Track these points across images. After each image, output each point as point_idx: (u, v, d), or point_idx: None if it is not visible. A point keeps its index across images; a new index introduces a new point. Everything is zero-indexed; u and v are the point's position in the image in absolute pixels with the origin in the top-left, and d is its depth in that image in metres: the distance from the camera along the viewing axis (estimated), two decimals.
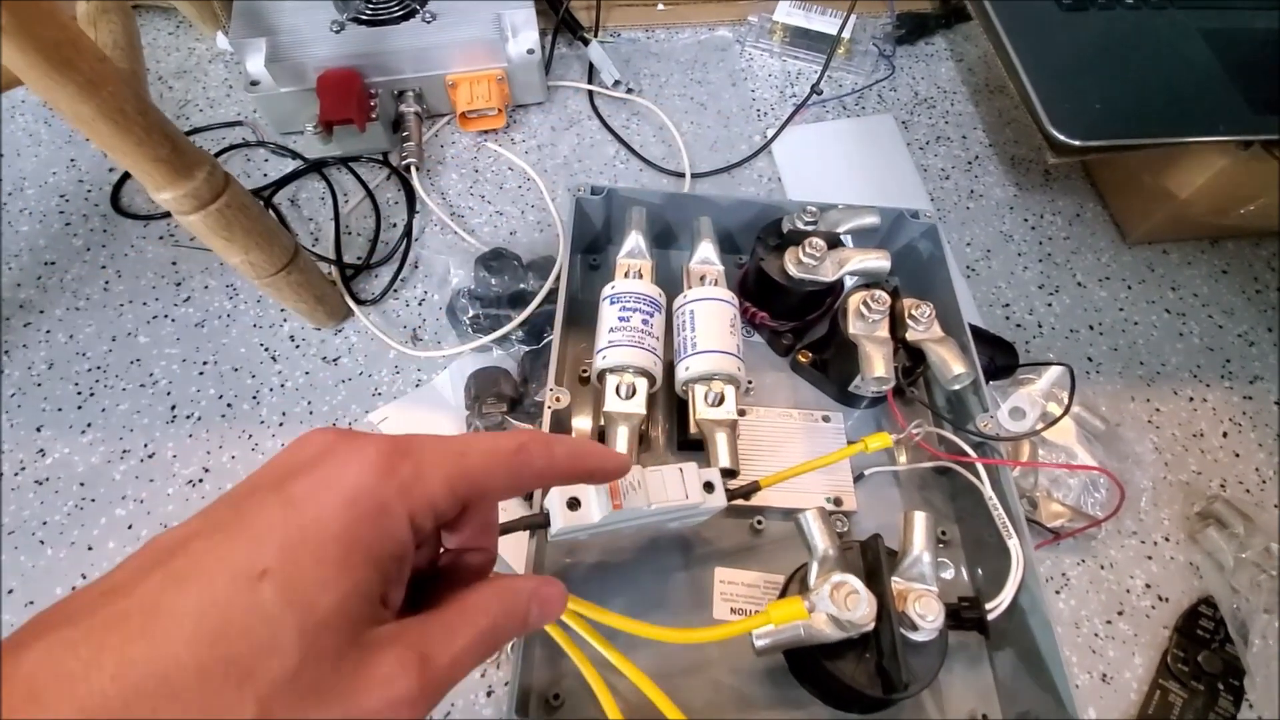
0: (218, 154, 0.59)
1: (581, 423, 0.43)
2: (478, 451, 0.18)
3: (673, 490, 0.28)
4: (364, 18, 0.56)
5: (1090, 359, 0.52)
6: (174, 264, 0.54)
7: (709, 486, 0.31)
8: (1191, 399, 0.51)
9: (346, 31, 0.55)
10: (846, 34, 0.62)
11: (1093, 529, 0.44)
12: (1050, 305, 0.55)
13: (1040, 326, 0.54)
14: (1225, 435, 0.50)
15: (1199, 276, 0.56)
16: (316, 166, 0.58)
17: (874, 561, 0.33)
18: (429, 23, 0.56)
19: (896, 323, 0.40)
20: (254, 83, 0.55)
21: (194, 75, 0.63)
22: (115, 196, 0.56)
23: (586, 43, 0.64)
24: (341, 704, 0.15)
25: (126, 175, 0.57)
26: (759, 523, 0.39)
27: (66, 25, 0.32)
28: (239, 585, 0.15)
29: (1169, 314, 0.55)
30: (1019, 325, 0.54)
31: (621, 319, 0.39)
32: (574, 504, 0.27)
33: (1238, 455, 0.50)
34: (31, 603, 0.42)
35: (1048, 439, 0.47)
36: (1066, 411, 0.41)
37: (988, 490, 0.36)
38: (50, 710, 0.13)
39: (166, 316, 0.52)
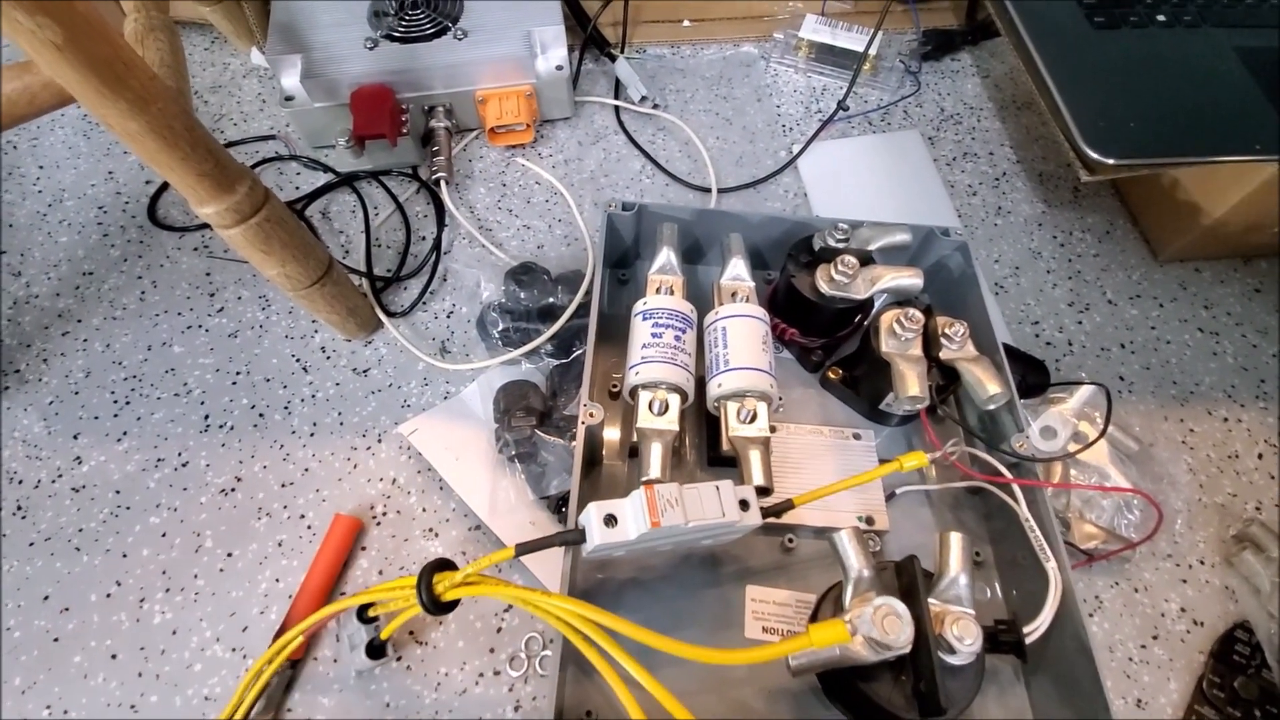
0: (252, 167, 0.60)
1: (611, 434, 0.43)
2: None
3: (710, 508, 0.28)
4: (397, 35, 0.57)
5: (1122, 378, 0.52)
6: (208, 274, 0.55)
7: (744, 504, 0.31)
8: (1226, 419, 0.51)
9: (380, 48, 0.56)
10: (873, 51, 0.62)
11: (1127, 551, 0.44)
12: (1080, 323, 0.54)
13: (1070, 345, 0.53)
14: (1260, 457, 0.49)
15: (1232, 295, 0.56)
16: (348, 180, 0.59)
17: (910, 583, 0.32)
18: (460, 40, 0.57)
19: (930, 341, 0.40)
20: (288, 98, 0.56)
21: (229, 90, 0.64)
22: (152, 208, 0.58)
23: (613, 59, 0.64)
24: None
25: (164, 187, 0.58)
26: (790, 540, 0.39)
27: (118, 43, 0.33)
28: None
29: (1202, 333, 0.54)
30: (1049, 343, 0.53)
31: (654, 335, 0.39)
32: (611, 520, 0.27)
33: (1272, 477, 0.49)
34: (67, 609, 0.43)
35: (1080, 459, 0.46)
36: (1103, 433, 0.40)
37: (1024, 511, 0.36)
38: None
39: (200, 327, 0.52)
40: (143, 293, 0.54)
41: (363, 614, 0.38)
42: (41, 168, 0.60)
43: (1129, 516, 0.45)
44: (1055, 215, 0.59)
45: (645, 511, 0.26)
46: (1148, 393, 0.51)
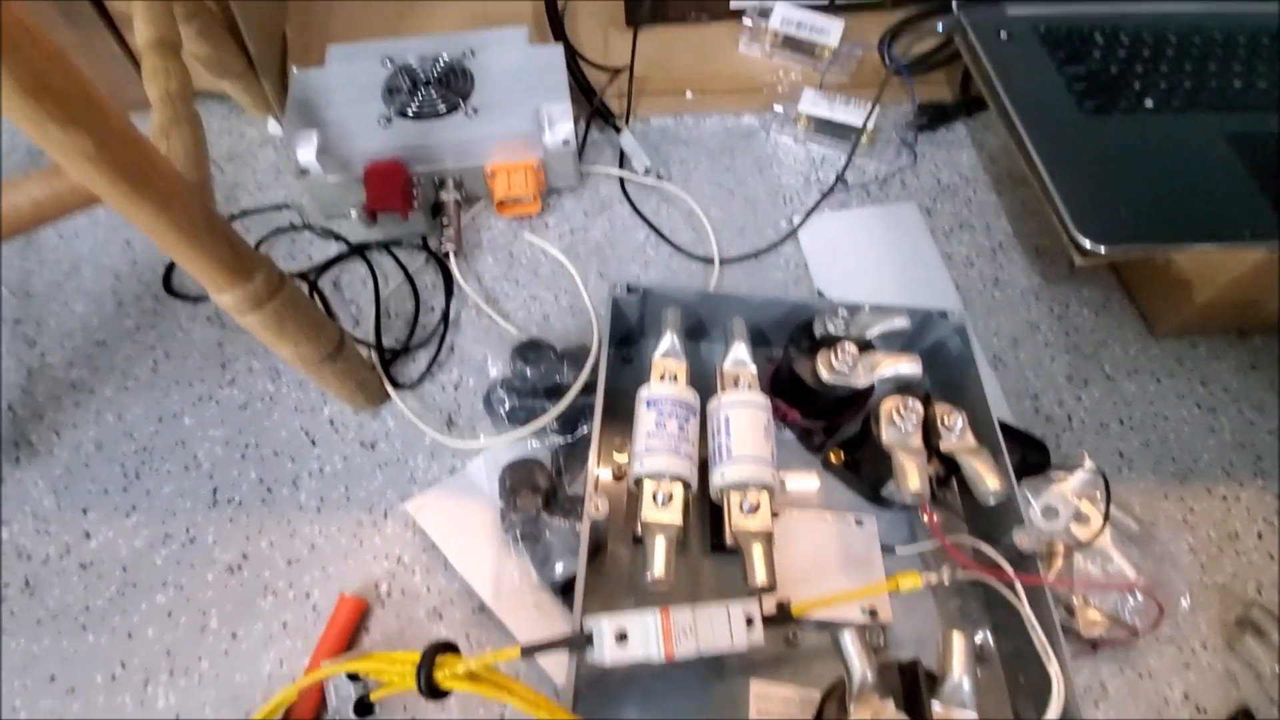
0: (266, 237, 0.61)
1: (615, 518, 0.43)
2: None
3: (720, 635, 0.28)
4: (410, 112, 0.59)
5: (1122, 454, 0.52)
6: (220, 345, 0.56)
7: (749, 621, 0.31)
8: (1225, 498, 0.51)
9: (393, 125, 0.58)
10: (870, 125, 0.64)
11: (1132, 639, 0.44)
12: (1080, 398, 0.55)
13: (1070, 420, 0.54)
14: (1260, 536, 0.50)
15: (1228, 371, 0.56)
16: (359, 250, 0.60)
17: (913, 685, 0.32)
18: (471, 117, 0.58)
19: (929, 431, 0.41)
20: (303, 171, 0.57)
21: (244, 159, 0.66)
22: (167, 277, 0.59)
23: (619, 131, 0.66)
24: None
25: None
26: (794, 635, 0.39)
27: (147, 150, 0.34)
28: None
29: (1200, 409, 0.55)
30: (1048, 418, 0.54)
31: (658, 424, 0.40)
32: (622, 637, 0.28)
33: (1272, 556, 0.49)
34: (73, 689, 0.43)
35: (1082, 540, 0.46)
36: (1104, 525, 0.41)
37: (1025, 610, 0.36)
38: None
39: (211, 398, 0.53)
40: (155, 363, 0.55)
41: (353, 675, 0.39)
42: (61, 237, 0.61)
43: (1133, 601, 0.45)
44: (1052, 288, 0.61)
45: (660, 640, 0.26)
46: (1147, 470, 0.52)
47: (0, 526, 0.48)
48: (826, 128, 0.67)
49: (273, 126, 0.67)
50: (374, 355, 0.54)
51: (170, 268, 0.59)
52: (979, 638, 0.40)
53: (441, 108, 0.59)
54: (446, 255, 0.58)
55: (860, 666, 0.32)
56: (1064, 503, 0.49)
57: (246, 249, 0.41)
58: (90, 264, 0.60)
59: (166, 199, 0.35)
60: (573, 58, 0.68)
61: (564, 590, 0.44)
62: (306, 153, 0.57)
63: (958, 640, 0.33)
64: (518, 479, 0.46)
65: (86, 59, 0.64)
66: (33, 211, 0.34)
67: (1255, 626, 0.45)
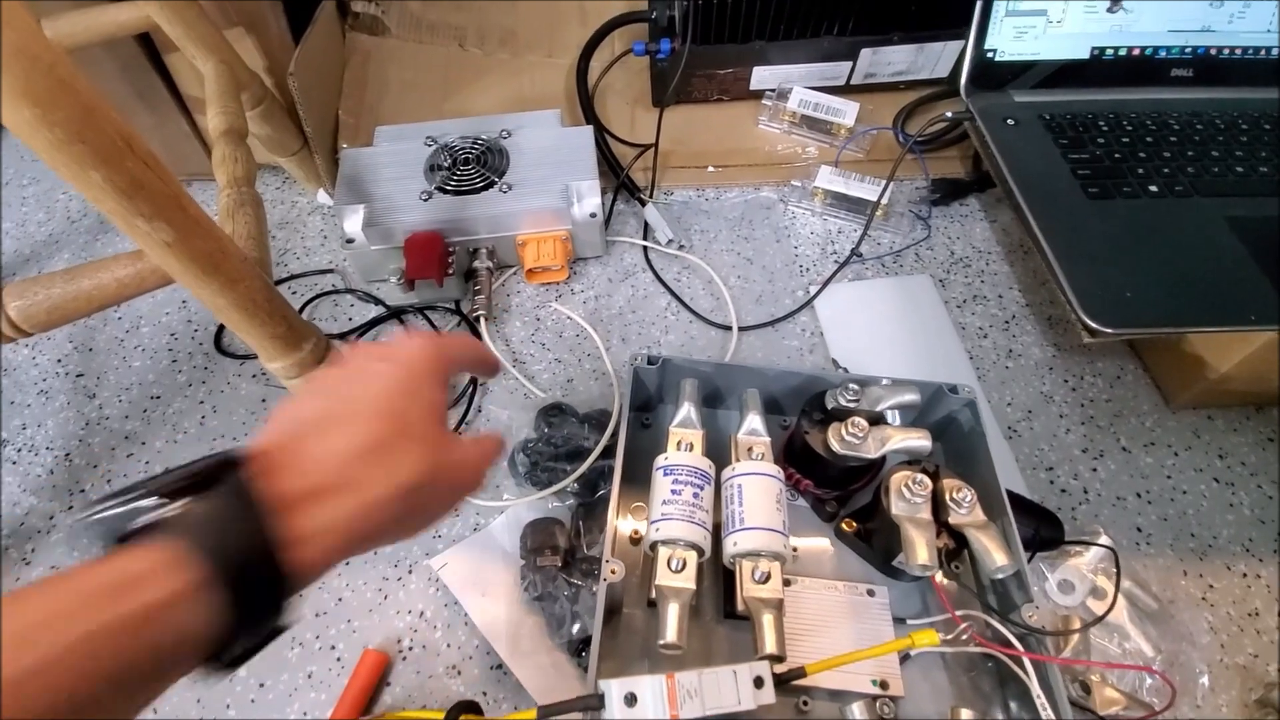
0: (311, 300, 0.65)
1: (631, 581, 0.44)
2: (452, 344, 0.32)
3: (727, 697, 0.29)
4: (449, 188, 0.63)
5: (1139, 529, 0.53)
6: (264, 401, 0.59)
7: (759, 681, 0.32)
8: (1245, 575, 0.51)
9: (433, 200, 0.63)
10: (885, 199, 0.67)
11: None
12: (1095, 470, 0.55)
13: (1086, 492, 0.54)
14: None
15: (1245, 444, 0.57)
16: (397, 314, 0.64)
17: None
18: (505, 193, 0.63)
19: (939, 505, 0.42)
20: (349, 241, 0.62)
21: (294, 226, 0.71)
22: (218, 337, 0.63)
23: (644, 203, 0.70)
24: (450, 443, 0.29)
25: None
26: (805, 704, 0.39)
27: (219, 237, 0.38)
28: (391, 384, 0.28)
29: (1218, 483, 0.55)
30: (1064, 490, 0.54)
31: (674, 492, 0.41)
32: (631, 699, 0.29)
33: None
34: None
35: (1097, 616, 0.46)
36: (1115, 599, 0.41)
37: (1035, 688, 0.36)
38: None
39: None
40: (203, 417, 0.59)
41: None
42: None
43: (1150, 680, 0.45)
44: (1066, 359, 0.62)
45: (665, 701, 0.28)
46: (1165, 545, 0.52)
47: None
48: (843, 201, 0.70)
49: (322, 196, 0.73)
50: None
51: (221, 328, 0.64)
52: (993, 718, 0.40)
53: (478, 183, 0.63)
54: (477, 319, 0.62)
55: None
56: (1079, 577, 0.49)
57: (298, 321, 0.44)
58: (149, 323, 0.65)
59: (233, 280, 0.39)
60: (601, 135, 0.72)
61: (578, 650, 0.45)
62: (353, 224, 0.62)
63: (966, 718, 0.34)
64: (538, 538, 0.48)
65: (159, 137, 0.70)
66: (116, 290, 0.38)
67: (1276, 709, 0.44)
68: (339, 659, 0.47)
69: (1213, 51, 0.61)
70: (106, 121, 0.31)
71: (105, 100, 0.31)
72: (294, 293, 0.66)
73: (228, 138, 0.51)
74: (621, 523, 0.46)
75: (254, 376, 0.61)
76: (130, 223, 0.34)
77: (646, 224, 0.70)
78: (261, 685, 0.46)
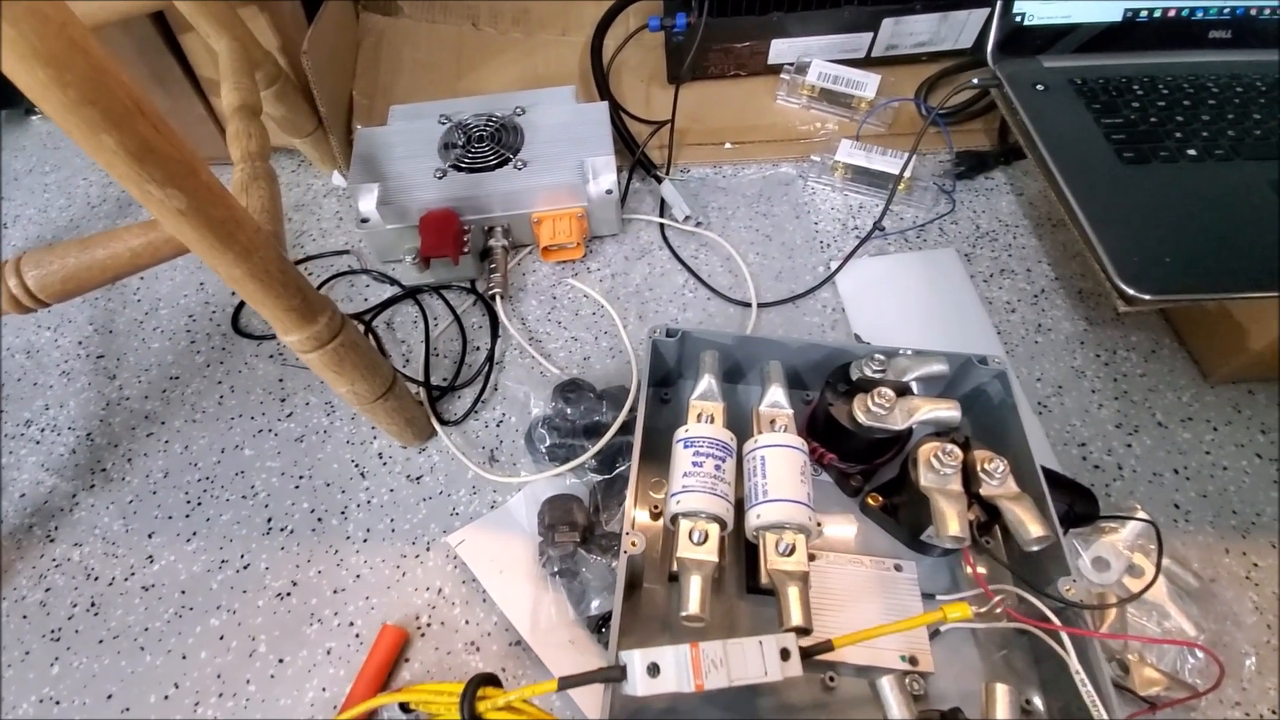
0: (327, 280, 0.65)
1: (652, 556, 0.44)
2: None
3: (753, 667, 0.28)
4: (464, 165, 0.62)
5: (1177, 505, 0.51)
6: (280, 381, 0.59)
7: (785, 653, 0.31)
8: None
9: (448, 177, 0.62)
10: (908, 173, 0.65)
11: (1192, 700, 0.42)
12: (1130, 446, 0.53)
13: (1120, 469, 0.52)
14: None
15: None
16: (412, 293, 0.63)
17: None
18: (520, 170, 0.62)
19: (969, 477, 0.40)
20: (364, 220, 0.61)
21: (310, 209, 0.71)
22: (235, 318, 0.63)
23: (660, 180, 0.69)
24: None
25: None
26: (831, 679, 0.38)
27: (232, 205, 0.38)
28: None
29: (1260, 459, 0.53)
30: (1097, 466, 0.52)
31: (695, 464, 0.40)
32: (654, 670, 0.28)
33: None
34: (128, 709, 0.45)
35: (1135, 594, 0.45)
36: (1154, 579, 0.39)
37: (1074, 663, 0.35)
38: None
39: (270, 431, 0.56)
40: (221, 397, 0.59)
41: (405, 706, 0.40)
42: (142, 279, 0.67)
43: (1193, 659, 0.43)
44: (1098, 333, 0.60)
45: (690, 671, 0.27)
46: (1205, 523, 0.50)
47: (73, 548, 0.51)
48: (864, 176, 0.69)
49: (336, 178, 0.72)
50: (422, 393, 0.57)
51: (238, 309, 0.64)
52: (1027, 696, 0.39)
53: (493, 161, 0.62)
54: (493, 298, 0.61)
55: (899, 714, 0.32)
56: (1115, 554, 0.47)
57: (314, 294, 0.44)
58: (168, 304, 0.65)
59: (247, 250, 0.39)
60: (616, 112, 0.71)
61: (599, 627, 0.44)
62: (368, 204, 0.61)
63: (1001, 693, 0.32)
64: (556, 514, 0.47)
65: (175, 120, 0.70)
66: (130, 259, 0.38)
67: None
68: (357, 635, 0.47)
69: (1253, 12, 0.58)
70: (117, 84, 0.30)
71: (115, 62, 0.30)
72: (310, 274, 0.66)
73: (241, 113, 0.50)
74: (639, 511, 0.45)
75: (270, 357, 0.61)
76: (143, 189, 0.33)
77: (663, 201, 0.69)
78: (281, 661, 0.46)
